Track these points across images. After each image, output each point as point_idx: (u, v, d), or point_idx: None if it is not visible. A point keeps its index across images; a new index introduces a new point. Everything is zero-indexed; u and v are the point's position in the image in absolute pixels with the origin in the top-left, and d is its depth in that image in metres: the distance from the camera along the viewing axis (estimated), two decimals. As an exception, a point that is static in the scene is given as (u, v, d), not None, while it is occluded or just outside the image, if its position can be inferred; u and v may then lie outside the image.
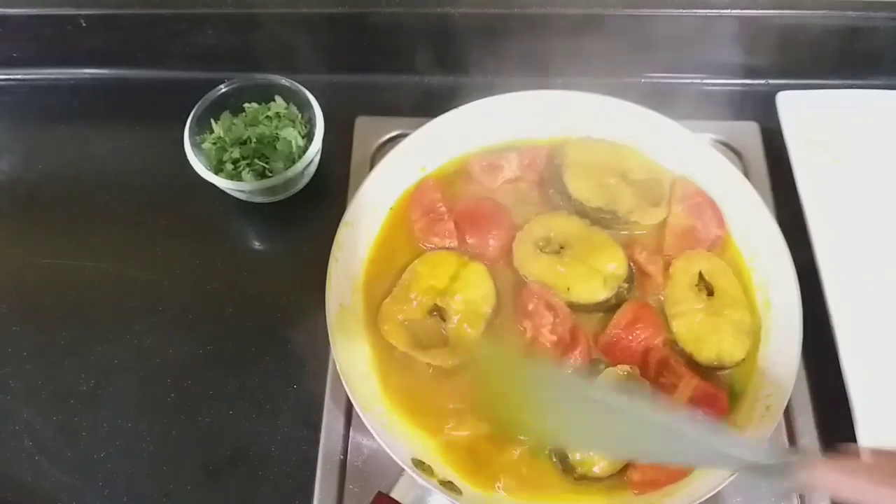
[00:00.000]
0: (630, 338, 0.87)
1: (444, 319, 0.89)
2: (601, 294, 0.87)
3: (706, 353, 0.86)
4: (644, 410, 0.68)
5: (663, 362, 0.86)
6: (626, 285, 0.88)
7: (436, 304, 0.89)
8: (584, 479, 0.81)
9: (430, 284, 0.89)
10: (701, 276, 0.91)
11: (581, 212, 0.94)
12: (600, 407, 0.69)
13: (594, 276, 0.88)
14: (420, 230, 0.95)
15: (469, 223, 0.94)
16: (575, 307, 0.88)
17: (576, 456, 0.80)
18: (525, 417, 0.74)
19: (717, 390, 0.84)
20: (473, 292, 0.88)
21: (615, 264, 0.88)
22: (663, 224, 0.95)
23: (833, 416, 0.88)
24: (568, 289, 0.87)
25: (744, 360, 0.87)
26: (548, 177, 0.97)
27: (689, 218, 0.94)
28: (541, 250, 0.91)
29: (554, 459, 0.82)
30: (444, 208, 0.95)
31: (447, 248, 0.94)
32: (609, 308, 0.89)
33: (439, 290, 0.89)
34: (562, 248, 0.91)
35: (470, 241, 0.94)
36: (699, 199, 0.95)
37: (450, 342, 0.87)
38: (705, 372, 0.87)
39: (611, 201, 0.93)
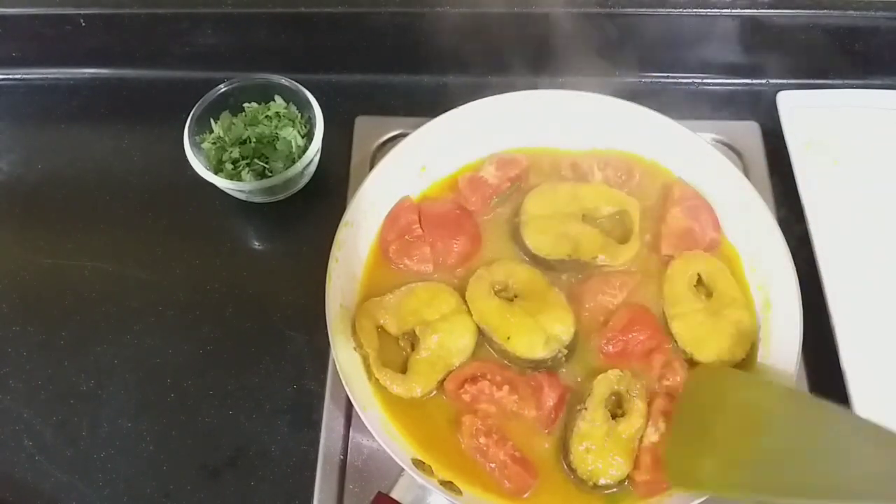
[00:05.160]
0: (627, 339, 0.87)
1: (412, 348, 0.88)
2: (539, 352, 0.85)
3: (706, 353, 0.86)
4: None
5: (667, 365, 0.86)
6: (565, 351, 0.86)
7: (413, 331, 0.88)
8: (596, 489, 0.81)
9: (419, 311, 0.88)
10: (699, 277, 0.91)
11: (546, 265, 0.93)
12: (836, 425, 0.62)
13: (537, 332, 0.86)
14: (394, 252, 0.94)
15: (435, 227, 0.94)
16: (512, 359, 0.87)
17: (586, 469, 0.80)
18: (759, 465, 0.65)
19: None
20: (452, 341, 0.87)
21: (562, 327, 0.86)
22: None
23: (833, 417, 0.88)
24: (508, 338, 0.86)
25: (744, 359, 0.87)
26: (511, 234, 0.96)
27: (687, 220, 0.94)
28: (495, 293, 0.90)
29: (563, 466, 0.82)
30: (420, 230, 0.94)
31: (427, 276, 0.93)
32: (544, 369, 0.87)
33: (423, 320, 0.88)
34: (516, 296, 0.90)
35: (437, 244, 0.93)
36: (696, 202, 0.95)
37: (408, 372, 0.86)
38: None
39: (574, 250, 0.92)
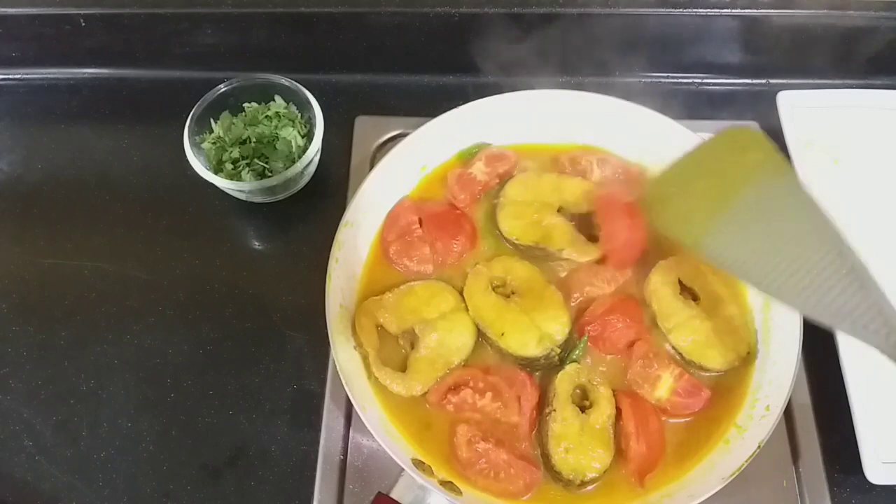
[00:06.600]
0: (605, 323, 0.87)
1: (412, 347, 0.88)
2: (532, 350, 0.86)
3: (715, 359, 0.86)
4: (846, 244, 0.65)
5: (646, 354, 0.86)
6: (558, 350, 0.86)
7: (413, 329, 0.88)
8: (583, 486, 0.81)
9: (419, 309, 0.89)
10: (681, 283, 0.90)
11: (515, 248, 0.94)
12: (804, 216, 0.66)
13: (531, 330, 0.86)
14: (395, 252, 0.94)
15: (435, 227, 0.94)
16: (506, 356, 0.87)
17: (570, 469, 0.80)
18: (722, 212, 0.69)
19: (701, 384, 0.85)
20: (452, 339, 0.87)
21: (557, 327, 0.87)
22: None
23: (833, 416, 0.88)
24: (502, 334, 0.86)
25: (749, 353, 0.87)
26: (489, 215, 0.97)
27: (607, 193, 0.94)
28: (493, 289, 0.90)
29: (550, 474, 0.82)
30: (420, 231, 0.94)
31: (426, 276, 0.93)
32: (537, 368, 0.87)
33: (423, 319, 0.88)
34: (513, 293, 0.90)
35: (437, 244, 0.93)
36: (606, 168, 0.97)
37: (408, 371, 0.86)
38: (714, 376, 0.87)
39: (542, 239, 0.92)
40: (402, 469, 0.78)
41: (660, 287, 0.90)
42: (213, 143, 1.03)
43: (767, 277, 0.69)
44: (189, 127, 1.01)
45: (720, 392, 0.86)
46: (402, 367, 0.87)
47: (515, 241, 0.94)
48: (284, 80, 1.05)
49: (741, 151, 0.73)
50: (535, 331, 0.86)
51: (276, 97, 1.06)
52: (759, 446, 0.78)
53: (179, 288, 1.00)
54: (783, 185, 0.70)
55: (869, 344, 0.65)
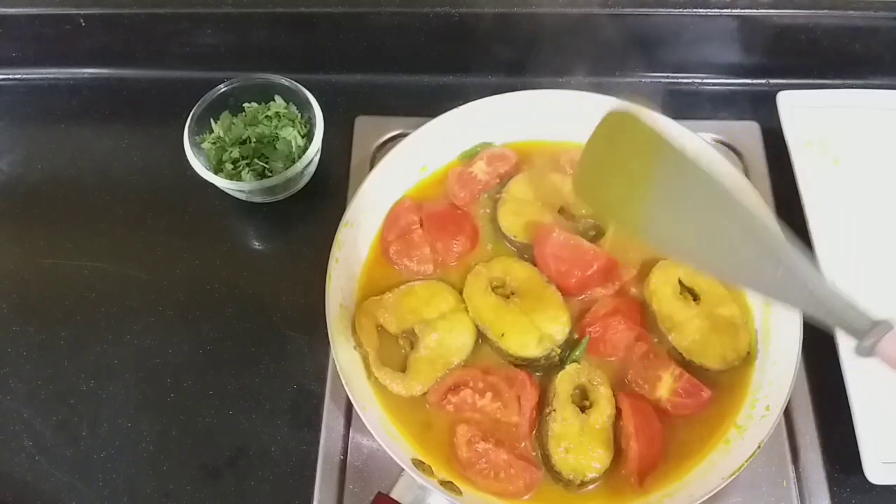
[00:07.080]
0: (606, 325, 0.87)
1: (411, 347, 0.89)
2: (532, 350, 0.86)
3: (713, 358, 0.86)
4: (761, 223, 0.62)
5: (646, 354, 0.86)
6: (558, 350, 0.86)
7: (413, 330, 0.88)
8: (583, 486, 0.81)
9: (419, 309, 0.89)
10: (681, 282, 0.90)
11: (513, 245, 0.94)
12: (716, 201, 0.63)
13: (531, 331, 0.86)
14: (395, 252, 0.94)
15: (435, 227, 0.94)
16: (506, 357, 0.87)
17: (570, 469, 0.80)
18: (629, 193, 0.68)
19: (701, 384, 0.84)
20: (451, 339, 0.87)
21: (557, 327, 0.87)
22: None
23: (833, 416, 0.88)
24: (502, 335, 0.86)
25: (749, 353, 0.87)
26: (490, 211, 0.98)
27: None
28: (493, 290, 0.90)
29: (550, 474, 0.82)
30: (420, 231, 0.95)
31: (427, 277, 0.93)
32: (537, 368, 0.87)
33: (423, 319, 0.88)
34: (513, 293, 0.90)
35: (437, 245, 0.93)
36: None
37: (407, 371, 0.86)
38: (714, 376, 0.86)
39: None
40: (402, 469, 0.78)
41: (660, 287, 0.90)
42: (213, 143, 1.03)
43: (707, 261, 0.68)
44: (189, 127, 1.01)
45: (720, 392, 0.85)
46: (402, 367, 0.87)
47: (513, 238, 0.94)
48: (284, 80, 1.05)
49: (628, 138, 0.71)
50: (534, 331, 0.86)
51: (276, 97, 1.06)
52: (759, 446, 0.78)
53: (179, 288, 1.00)
54: (678, 167, 0.68)
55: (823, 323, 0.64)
